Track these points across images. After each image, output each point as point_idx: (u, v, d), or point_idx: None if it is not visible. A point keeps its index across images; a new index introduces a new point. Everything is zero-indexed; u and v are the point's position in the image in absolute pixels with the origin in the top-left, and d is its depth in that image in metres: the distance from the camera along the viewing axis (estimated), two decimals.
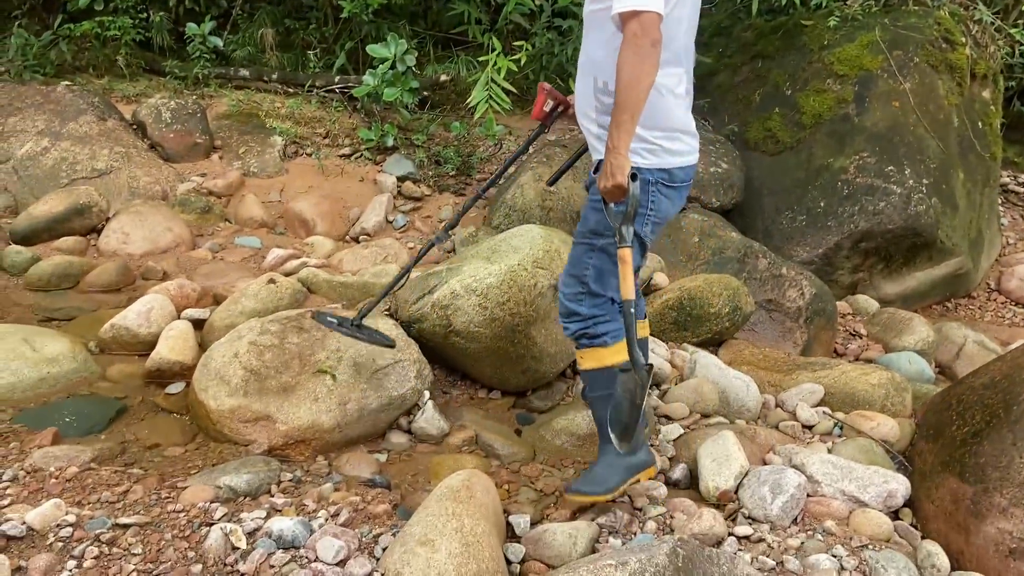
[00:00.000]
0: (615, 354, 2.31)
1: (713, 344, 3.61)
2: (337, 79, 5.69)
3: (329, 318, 2.80)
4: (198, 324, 3.26)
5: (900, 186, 4.33)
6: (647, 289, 3.69)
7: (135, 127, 5.09)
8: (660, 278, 3.70)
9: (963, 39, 4.61)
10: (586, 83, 2.27)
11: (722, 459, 2.56)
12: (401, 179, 5.04)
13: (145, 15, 6.03)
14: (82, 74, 5.99)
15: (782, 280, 3.97)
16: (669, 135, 2.21)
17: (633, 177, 2.06)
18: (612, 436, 2.19)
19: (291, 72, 5.98)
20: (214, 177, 4.85)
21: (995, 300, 5.07)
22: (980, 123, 4.79)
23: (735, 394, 3.12)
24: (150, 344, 3.09)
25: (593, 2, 2.18)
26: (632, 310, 2.10)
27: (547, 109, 2.60)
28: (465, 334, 2.95)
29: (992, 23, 4.75)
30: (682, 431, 2.91)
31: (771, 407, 3.22)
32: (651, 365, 2.15)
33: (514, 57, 4.74)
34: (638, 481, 2.40)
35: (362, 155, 5.23)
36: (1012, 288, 5.05)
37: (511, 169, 4.64)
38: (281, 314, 3.08)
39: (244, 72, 5.97)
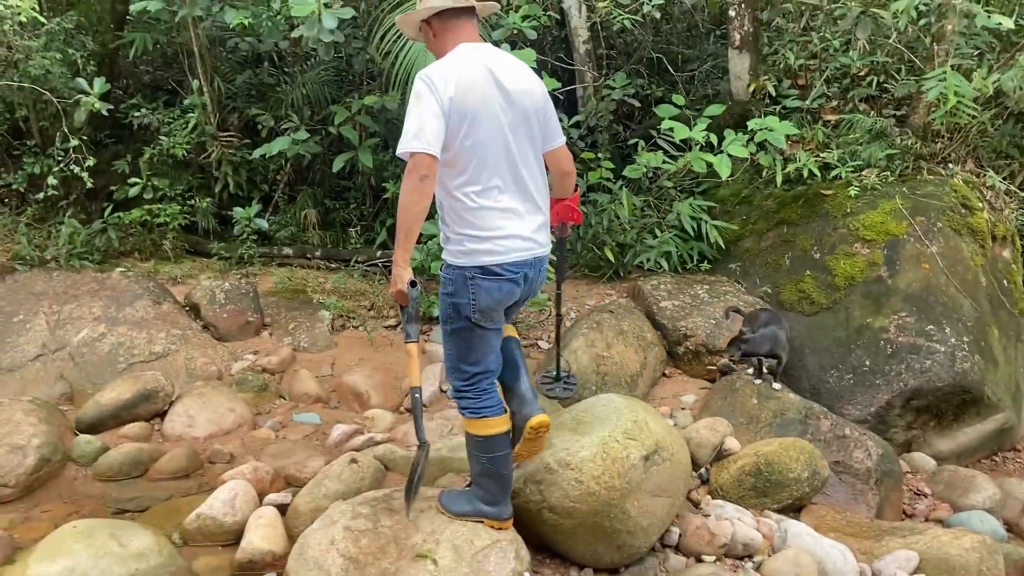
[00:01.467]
0: (484, 427, 2.75)
1: (793, 510, 3.56)
2: (379, 254, 5.91)
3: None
4: (280, 509, 3.20)
5: (943, 344, 4.46)
6: (720, 454, 3.70)
7: (187, 308, 5.21)
8: (731, 443, 3.71)
9: (979, 204, 4.93)
10: None
11: None
12: None
13: (192, 201, 6.34)
14: (127, 258, 6.18)
15: (847, 441, 3.98)
16: (476, 238, 2.59)
17: (412, 284, 2.53)
18: (405, 502, 2.79)
19: (333, 248, 6.22)
20: (267, 354, 4.91)
21: None
22: (1005, 281, 5.02)
23: (833, 564, 3.07)
24: (235, 534, 3.02)
25: None
26: (418, 395, 2.68)
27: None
28: (560, 510, 2.92)
29: (1003, 188, 5.09)
30: None
31: None
32: (427, 443, 2.77)
33: None
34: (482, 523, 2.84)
35: None
36: None
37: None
38: (369, 495, 3.05)
39: (287, 250, 6.20)
